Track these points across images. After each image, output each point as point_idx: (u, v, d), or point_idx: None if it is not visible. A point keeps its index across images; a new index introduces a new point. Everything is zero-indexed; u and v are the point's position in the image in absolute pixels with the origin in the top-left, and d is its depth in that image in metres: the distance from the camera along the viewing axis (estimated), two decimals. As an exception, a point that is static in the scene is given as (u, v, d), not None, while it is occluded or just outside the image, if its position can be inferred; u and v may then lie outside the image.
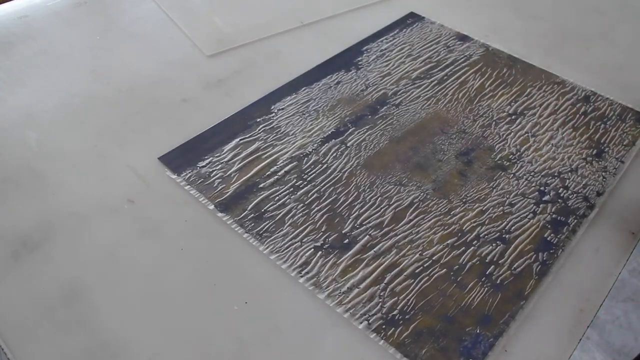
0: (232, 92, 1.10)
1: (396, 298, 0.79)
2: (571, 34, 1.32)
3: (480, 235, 0.87)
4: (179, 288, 0.79)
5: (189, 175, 0.93)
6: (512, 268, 0.83)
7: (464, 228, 0.88)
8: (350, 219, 0.88)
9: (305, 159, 0.97)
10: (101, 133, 1.00)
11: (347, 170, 0.96)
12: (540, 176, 0.96)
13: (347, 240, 0.85)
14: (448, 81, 1.16)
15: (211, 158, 0.96)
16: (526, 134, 1.04)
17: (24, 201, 0.89)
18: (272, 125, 1.03)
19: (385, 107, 1.09)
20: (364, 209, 0.90)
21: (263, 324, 0.76)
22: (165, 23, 1.28)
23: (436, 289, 0.80)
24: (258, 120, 1.04)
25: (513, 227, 0.89)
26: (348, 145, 1.00)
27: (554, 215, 0.91)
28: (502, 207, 0.91)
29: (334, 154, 0.98)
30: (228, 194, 0.91)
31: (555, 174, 0.97)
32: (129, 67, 1.16)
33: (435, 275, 0.82)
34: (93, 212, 0.87)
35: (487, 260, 0.84)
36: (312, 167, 0.96)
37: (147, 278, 0.80)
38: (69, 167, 0.94)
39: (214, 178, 0.93)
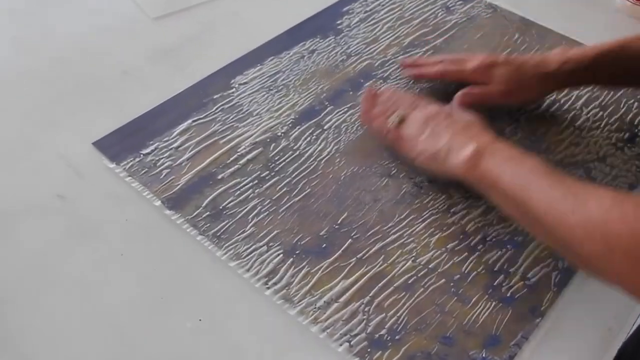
0: (183, 63, 1.09)
1: (384, 314, 0.78)
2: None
3: (487, 238, 0.87)
4: (119, 302, 0.78)
5: (131, 164, 0.92)
6: (526, 278, 0.83)
7: (466, 229, 0.88)
8: (327, 219, 0.88)
9: (273, 144, 0.96)
10: (25, 115, 0.99)
11: (323, 158, 0.95)
12: (560, 166, 0.96)
13: (324, 244, 0.85)
14: (447, 49, 1.16)
15: (158, 143, 0.95)
16: (543, 115, 1.04)
17: None
18: (232, 104, 1.02)
19: (371, 80, 1.08)
20: (344, 206, 0.89)
21: (221, 345, 0.75)
22: (102, -22, 1.27)
23: (433, 303, 0.80)
24: (215, 97, 1.03)
25: (526, 228, 0.88)
26: (325, 127, 1.00)
27: (576, 213, 0.90)
28: (513, 203, 0.91)
29: (308, 139, 0.97)
30: (178, 187, 0.90)
31: (579, 163, 0.97)
32: (57, 33, 1.14)
33: (432, 287, 0.81)
34: (15, 211, 0.86)
35: (495, 269, 0.84)
36: (281, 154, 0.95)
37: (81, 290, 0.78)
38: (-15, 156, 0.93)
39: (161, 168, 0.92)
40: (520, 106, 1.05)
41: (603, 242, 0.65)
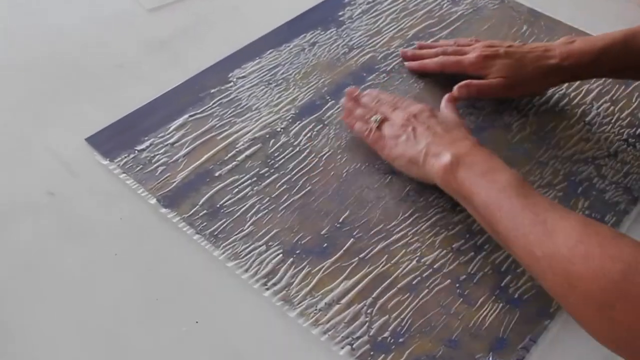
0: (180, 56, 1.09)
1: (387, 316, 0.78)
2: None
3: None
4: (112, 304, 0.77)
5: (125, 160, 0.91)
6: (534, 279, 0.82)
7: (472, 228, 0.87)
8: (328, 217, 0.87)
9: (272, 140, 0.96)
10: (15, 109, 0.99)
11: (324, 154, 0.95)
12: (569, 162, 0.96)
13: (325, 244, 0.84)
14: (453, 42, 1.15)
15: (153, 139, 0.95)
16: (552, 109, 1.04)
17: None
18: (229, 98, 1.02)
19: (374, 74, 1.07)
20: (346, 204, 0.89)
21: (218, 349, 0.74)
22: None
23: (438, 304, 0.79)
24: (212, 91, 1.02)
25: (535, 226, 0.88)
26: (326, 123, 0.99)
27: (587, 212, 0.90)
28: (521, 201, 0.90)
29: (309, 135, 0.97)
30: (174, 184, 0.89)
31: (589, 160, 0.97)
32: (50, 24, 1.14)
33: (437, 288, 0.81)
34: (4, 209, 0.86)
35: (502, 269, 0.83)
36: (281, 150, 0.95)
37: (72, 291, 0.78)
38: (-27, 152, 0.93)
39: (156, 164, 0.91)
40: (523, 98, 1.05)
41: (565, 279, 0.64)
